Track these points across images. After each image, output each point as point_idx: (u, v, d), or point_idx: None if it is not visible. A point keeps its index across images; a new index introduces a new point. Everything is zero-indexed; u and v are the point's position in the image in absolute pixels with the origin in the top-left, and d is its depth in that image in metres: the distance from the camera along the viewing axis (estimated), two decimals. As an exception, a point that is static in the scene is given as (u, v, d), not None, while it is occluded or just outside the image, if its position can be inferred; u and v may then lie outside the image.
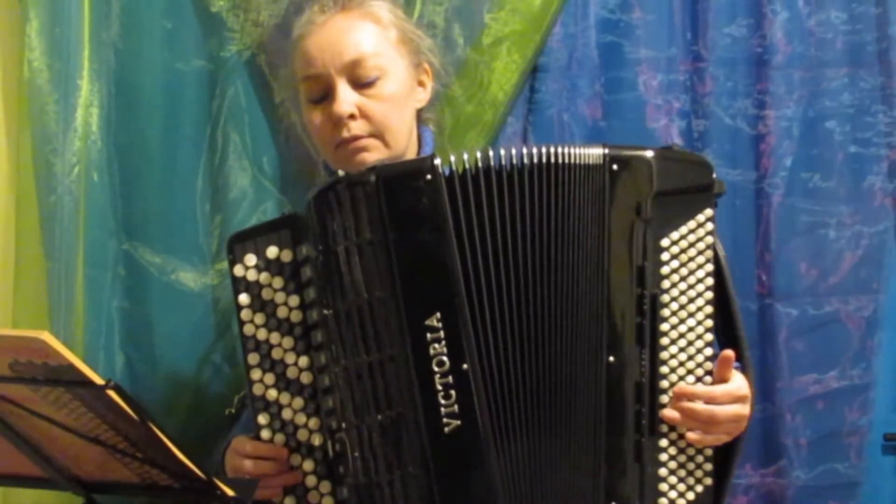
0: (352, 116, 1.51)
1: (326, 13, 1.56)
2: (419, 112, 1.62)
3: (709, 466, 1.43)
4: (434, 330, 1.34)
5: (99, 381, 1.03)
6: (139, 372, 1.74)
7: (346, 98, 1.51)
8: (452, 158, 1.36)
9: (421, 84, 1.62)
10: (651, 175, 1.41)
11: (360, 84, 1.52)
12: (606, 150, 1.41)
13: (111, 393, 1.04)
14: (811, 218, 1.85)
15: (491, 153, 1.37)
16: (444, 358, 1.34)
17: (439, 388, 1.33)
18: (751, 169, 1.84)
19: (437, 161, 1.35)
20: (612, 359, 1.40)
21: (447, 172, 1.35)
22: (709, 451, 1.43)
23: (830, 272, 1.86)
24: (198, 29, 1.76)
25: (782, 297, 1.84)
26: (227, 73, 1.75)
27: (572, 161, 1.39)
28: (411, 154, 1.58)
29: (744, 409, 1.43)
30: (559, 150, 1.39)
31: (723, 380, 1.42)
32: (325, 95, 1.53)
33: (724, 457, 1.45)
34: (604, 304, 1.40)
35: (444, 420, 1.34)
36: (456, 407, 1.34)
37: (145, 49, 1.75)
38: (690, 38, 1.84)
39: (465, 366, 1.34)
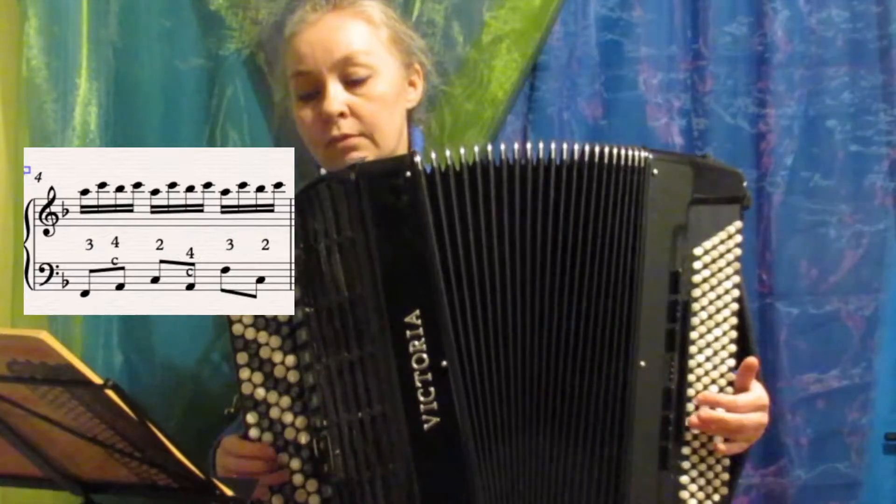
0: (342, 115, 1.51)
1: (318, 11, 1.56)
2: (410, 112, 1.62)
3: (726, 476, 1.43)
4: (413, 327, 1.33)
5: (97, 380, 1.03)
6: (138, 371, 1.74)
7: (337, 96, 1.51)
8: (434, 155, 1.35)
9: (412, 84, 1.62)
10: (690, 182, 1.42)
11: (351, 82, 1.52)
12: (649, 154, 1.41)
13: (110, 392, 1.03)
14: (812, 217, 1.84)
15: (490, 150, 1.36)
16: (424, 355, 1.33)
17: (419, 384, 1.33)
18: (751, 168, 1.84)
19: (418, 158, 1.35)
20: (643, 363, 1.39)
21: (429, 170, 1.35)
22: (727, 461, 1.43)
23: (831, 271, 1.85)
24: (196, 27, 1.76)
25: (783, 296, 1.84)
26: (226, 72, 1.75)
27: (608, 161, 1.39)
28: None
29: (764, 418, 1.43)
30: (593, 148, 1.39)
31: (743, 388, 1.42)
32: (315, 93, 1.53)
33: (731, 463, 1.45)
34: (635, 307, 1.39)
35: (424, 417, 1.33)
36: (435, 404, 1.33)
37: (144, 47, 1.75)
38: (691, 36, 1.84)
39: (444, 363, 1.33)
